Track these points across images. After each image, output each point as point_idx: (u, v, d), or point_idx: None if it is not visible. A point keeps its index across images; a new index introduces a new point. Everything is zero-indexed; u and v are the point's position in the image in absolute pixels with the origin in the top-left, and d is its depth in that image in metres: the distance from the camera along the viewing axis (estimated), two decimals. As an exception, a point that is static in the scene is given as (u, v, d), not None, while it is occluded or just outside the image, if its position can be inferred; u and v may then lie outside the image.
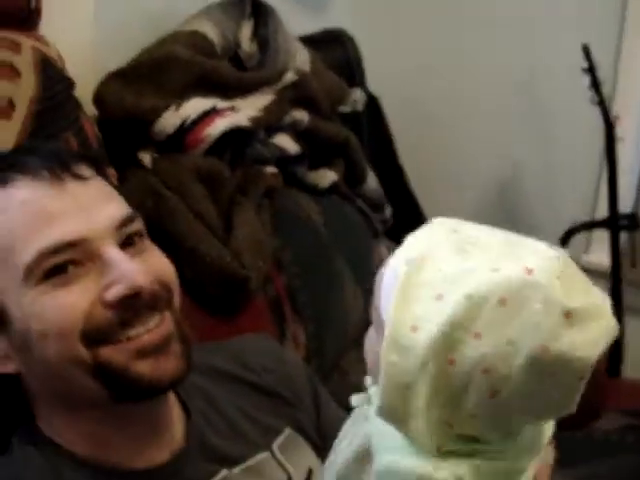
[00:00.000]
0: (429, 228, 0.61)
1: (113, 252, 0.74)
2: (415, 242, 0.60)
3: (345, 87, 1.67)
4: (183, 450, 0.82)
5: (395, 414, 0.58)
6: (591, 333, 0.54)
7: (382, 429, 0.61)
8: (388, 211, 1.85)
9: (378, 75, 2.14)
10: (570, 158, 2.26)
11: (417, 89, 2.28)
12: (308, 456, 0.90)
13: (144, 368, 0.74)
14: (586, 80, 1.92)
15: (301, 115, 1.49)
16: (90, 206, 0.75)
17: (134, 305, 0.74)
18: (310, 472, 0.87)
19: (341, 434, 0.72)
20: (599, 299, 0.56)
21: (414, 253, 0.58)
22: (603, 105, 1.89)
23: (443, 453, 0.59)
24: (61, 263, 0.72)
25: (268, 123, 1.39)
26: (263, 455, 0.86)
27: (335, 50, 1.93)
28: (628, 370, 1.95)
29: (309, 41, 1.91)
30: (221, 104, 1.29)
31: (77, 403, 0.77)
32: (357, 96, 1.89)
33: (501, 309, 0.53)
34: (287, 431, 0.90)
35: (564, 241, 2.10)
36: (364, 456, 0.64)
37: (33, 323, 0.73)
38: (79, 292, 0.73)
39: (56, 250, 0.72)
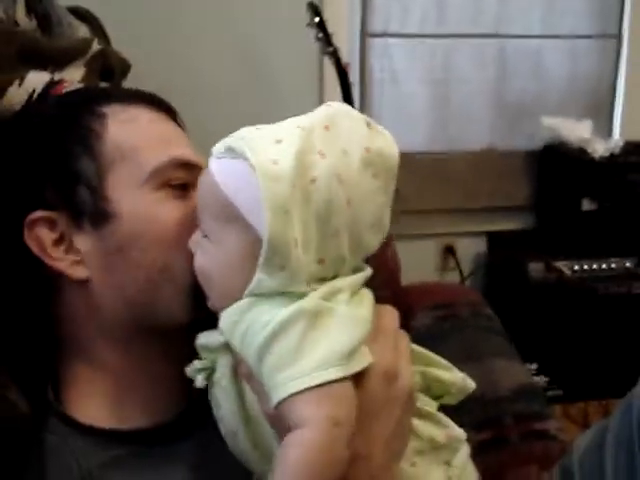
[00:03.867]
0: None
1: None
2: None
3: (127, 60, 1.65)
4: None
5: (279, 245, 0.64)
6: (387, 137, 0.71)
7: (243, 326, 0.66)
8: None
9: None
10: (292, 112, 2.46)
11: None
12: None
13: None
14: (312, 34, 2.11)
15: (107, 87, 1.45)
16: (189, 143, 0.84)
17: None
18: None
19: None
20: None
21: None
22: (335, 55, 2.10)
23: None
24: (184, 181, 0.78)
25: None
26: None
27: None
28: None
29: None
30: (56, 76, 1.22)
31: (146, 323, 0.77)
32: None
33: (327, 132, 0.67)
34: None
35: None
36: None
37: (150, 224, 0.75)
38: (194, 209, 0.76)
39: (185, 164, 0.78)
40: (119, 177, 0.76)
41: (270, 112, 2.40)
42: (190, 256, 0.73)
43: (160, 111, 0.84)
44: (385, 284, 1.86)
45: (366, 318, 0.67)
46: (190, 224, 0.74)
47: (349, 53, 2.41)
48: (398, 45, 2.50)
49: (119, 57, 1.61)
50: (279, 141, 0.66)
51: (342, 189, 0.65)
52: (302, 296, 0.65)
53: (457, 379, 0.76)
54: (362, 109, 2.50)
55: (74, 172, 0.76)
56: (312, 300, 0.64)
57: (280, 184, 0.63)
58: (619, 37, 2.68)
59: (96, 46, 1.42)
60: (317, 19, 2.08)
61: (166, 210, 0.76)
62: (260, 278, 0.65)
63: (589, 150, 2.44)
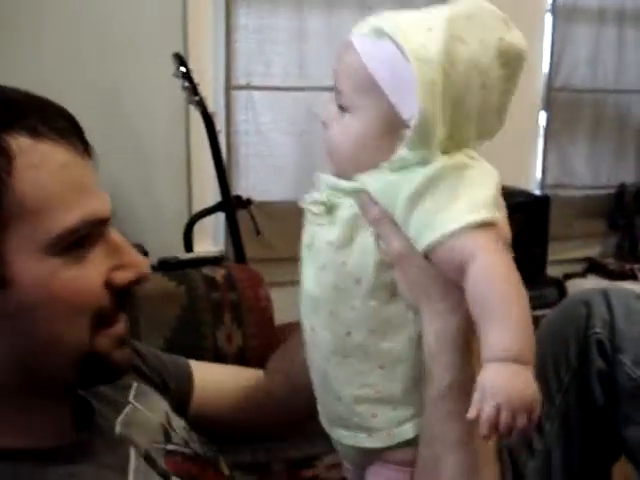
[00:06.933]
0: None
1: (121, 238, 0.74)
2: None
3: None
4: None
5: (428, 121, 0.73)
6: (519, 33, 0.79)
7: (389, 180, 0.76)
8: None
9: None
10: (159, 160, 2.48)
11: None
12: (157, 400, 0.95)
13: (120, 357, 0.75)
14: (178, 84, 2.15)
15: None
16: (99, 188, 0.73)
17: (130, 292, 0.74)
18: (167, 414, 0.92)
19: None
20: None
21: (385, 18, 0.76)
22: (201, 103, 2.14)
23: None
24: (83, 236, 0.69)
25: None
26: (127, 409, 0.88)
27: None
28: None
29: None
30: None
31: (33, 388, 0.72)
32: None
33: (469, 21, 0.76)
34: (135, 384, 0.93)
35: (188, 232, 2.29)
36: (354, 227, 0.80)
37: (47, 295, 0.67)
38: (94, 271, 0.70)
39: (95, 223, 0.70)
40: (18, 237, 0.66)
41: (138, 159, 2.43)
42: (86, 324, 0.70)
43: (73, 146, 0.71)
44: (258, 322, 1.86)
45: (496, 173, 0.77)
46: (87, 290, 0.70)
47: (214, 104, 2.46)
48: (262, 97, 2.58)
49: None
50: (430, 29, 0.73)
51: (477, 74, 0.74)
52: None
53: None
54: (228, 158, 2.55)
55: None
56: (458, 156, 0.75)
57: (430, 66, 0.72)
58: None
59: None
60: (183, 69, 2.12)
61: (64, 281, 0.68)
62: (402, 154, 0.75)
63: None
